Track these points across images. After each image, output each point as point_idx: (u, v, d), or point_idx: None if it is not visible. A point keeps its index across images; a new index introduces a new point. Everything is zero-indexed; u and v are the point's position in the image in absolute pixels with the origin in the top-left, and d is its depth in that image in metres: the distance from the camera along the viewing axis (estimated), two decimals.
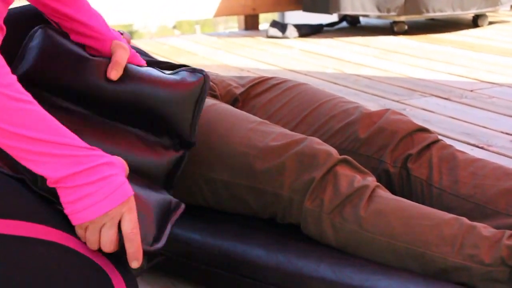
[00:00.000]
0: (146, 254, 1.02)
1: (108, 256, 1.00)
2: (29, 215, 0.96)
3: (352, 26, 4.57)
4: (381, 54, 3.61)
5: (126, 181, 0.97)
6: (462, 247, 1.13)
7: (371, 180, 1.22)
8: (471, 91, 2.80)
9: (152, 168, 1.14)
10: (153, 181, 1.15)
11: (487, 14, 4.40)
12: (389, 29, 4.22)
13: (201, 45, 4.06)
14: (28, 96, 0.93)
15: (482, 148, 2.11)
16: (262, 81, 1.53)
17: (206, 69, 1.45)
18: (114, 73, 1.14)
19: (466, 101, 2.64)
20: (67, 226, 0.98)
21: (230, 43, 4.06)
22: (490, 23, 4.42)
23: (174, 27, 5.44)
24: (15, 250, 0.94)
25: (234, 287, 1.26)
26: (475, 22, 4.37)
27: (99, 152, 0.96)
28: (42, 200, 0.98)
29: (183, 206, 1.12)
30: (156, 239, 1.07)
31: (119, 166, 0.97)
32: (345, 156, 1.25)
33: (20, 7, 1.25)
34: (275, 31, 4.14)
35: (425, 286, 1.11)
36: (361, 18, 4.60)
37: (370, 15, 4.21)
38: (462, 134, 2.25)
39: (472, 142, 2.16)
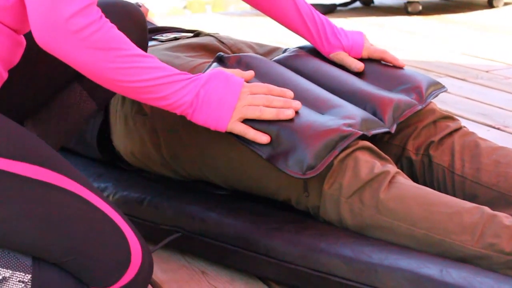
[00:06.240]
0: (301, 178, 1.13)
1: (126, 220, 1.06)
2: (51, 163, 1.03)
3: (366, 6, 4.53)
4: (395, 35, 3.58)
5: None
6: (482, 236, 1.10)
7: (391, 167, 1.20)
8: (487, 71, 2.77)
9: None
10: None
11: None
12: (403, 9, 4.18)
13: (213, 24, 4.03)
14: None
15: (498, 129, 2.09)
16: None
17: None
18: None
19: (481, 82, 2.62)
20: (86, 181, 1.05)
21: (242, 23, 4.03)
22: (505, 4, 4.38)
23: (185, 7, 5.41)
24: (34, 193, 1.00)
25: (249, 265, 1.25)
26: (490, 2, 4.32)
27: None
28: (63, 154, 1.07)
29: (355, 134, 1.17)
30: (312, 167, 1.11)
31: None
32: (366, 142, 1.23)
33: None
34: None
35: (444, 266, 1.09)
36: None
37: None
38: (478, 114, 2.23)
39: (489, 123, 2.14)
